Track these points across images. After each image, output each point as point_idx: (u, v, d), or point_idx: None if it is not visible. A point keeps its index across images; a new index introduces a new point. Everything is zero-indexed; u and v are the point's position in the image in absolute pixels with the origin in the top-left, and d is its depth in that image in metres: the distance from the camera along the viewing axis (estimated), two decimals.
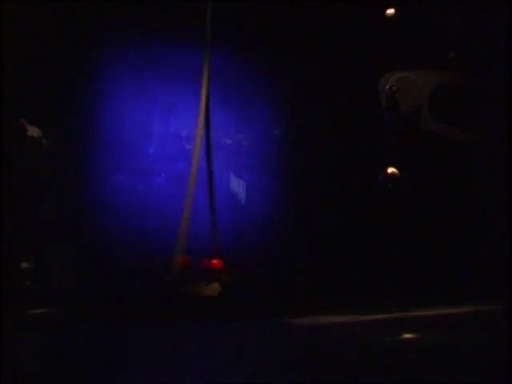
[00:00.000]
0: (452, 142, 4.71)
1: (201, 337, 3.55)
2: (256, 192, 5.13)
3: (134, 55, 4.86)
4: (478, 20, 4.37)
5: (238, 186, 5.20)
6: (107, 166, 4.63)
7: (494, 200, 4.51)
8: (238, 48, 4.85)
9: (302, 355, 3.32)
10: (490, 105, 4.53)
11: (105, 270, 4.05)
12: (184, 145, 5.11)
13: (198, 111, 4.52)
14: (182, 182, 4.89)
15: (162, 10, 4.52)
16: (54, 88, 4.19)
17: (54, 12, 4.04)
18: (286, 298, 4.26)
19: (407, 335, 3.66)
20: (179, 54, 4.90)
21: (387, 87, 4.22)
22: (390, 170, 4.18)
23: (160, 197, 4.71)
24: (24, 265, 3.80)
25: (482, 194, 4.60)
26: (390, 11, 4.37)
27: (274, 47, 4.91)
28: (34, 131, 4.09)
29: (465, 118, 4.65)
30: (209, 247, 4.17)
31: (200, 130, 4.32)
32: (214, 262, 3.11)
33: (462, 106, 4.65)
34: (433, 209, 4.68)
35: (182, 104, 5.06)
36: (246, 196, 5.01)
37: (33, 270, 3.86)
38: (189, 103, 4.93)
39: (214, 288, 2.78)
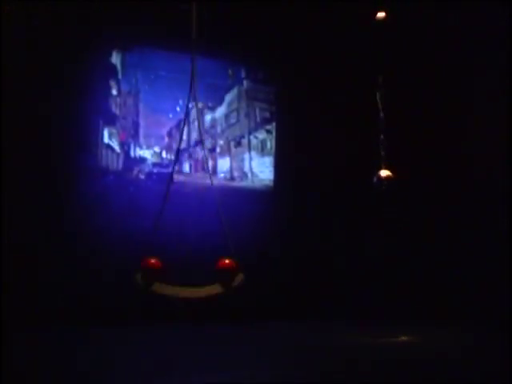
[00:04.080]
0: (448, 144, 4.71)
1: (204, 337, 3.55)
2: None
3: (132, 56, 4.88)
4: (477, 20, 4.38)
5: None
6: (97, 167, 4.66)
7: (493, 203, 4.50)
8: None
9: (302, 356, 3.32)
10: (490, 105, 4.53)
11: (103, 270, 4.05)
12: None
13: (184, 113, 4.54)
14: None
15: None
16: (52, 88, 4.19)
17: (54, 12, 4.04)
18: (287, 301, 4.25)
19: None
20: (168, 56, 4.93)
21: None
22: (385, 172, 4.20)
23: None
24: (22, 265, 3.80)
25: (480, 197, 4.59)
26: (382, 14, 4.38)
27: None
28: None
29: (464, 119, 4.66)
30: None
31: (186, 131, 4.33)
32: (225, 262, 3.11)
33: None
34: (428, 212, 4.69)
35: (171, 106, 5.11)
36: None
37: (29, 271, 3.86)
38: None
39: (215, 287, 2.79)
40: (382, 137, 4.19)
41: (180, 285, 2.84)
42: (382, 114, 4.30)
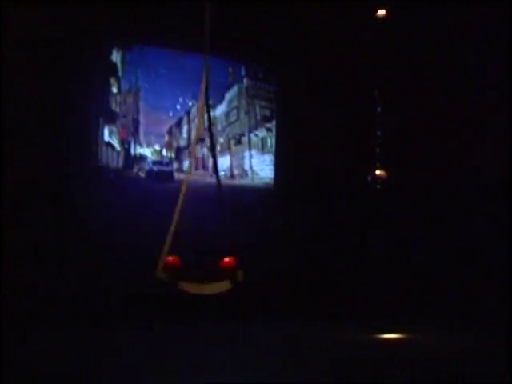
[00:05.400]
0: (445, 143, 4.71)
1: (203, 337, 3.56)
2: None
3: (132, 54, 4.88)
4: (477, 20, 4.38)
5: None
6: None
7: (493, 202, 4.50)
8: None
9: (302, 357, 3.32)
10: (490, 106, 4.52)
11: (104, 270, 4.05)
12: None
13: (197, 112, 4.53)
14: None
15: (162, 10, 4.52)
16: (52, 86, 4.19)
17: (53, 10, 4.04)
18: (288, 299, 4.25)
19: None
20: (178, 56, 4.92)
21: None
22: (379, 171, 4.22)
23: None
24: (23, 265, 3.80)
25: (480, 196, 4.59)
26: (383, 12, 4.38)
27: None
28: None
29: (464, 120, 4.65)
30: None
31: (198, 131, 4.32)
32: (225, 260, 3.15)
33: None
34: (424, 212, 4.69)
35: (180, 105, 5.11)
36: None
37: (30, 271, 3.86)
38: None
39: (220, 286, 2.84)
40: (378, 133, 4.20)
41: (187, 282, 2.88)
42: (379, 111, 4.32)
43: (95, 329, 3.52)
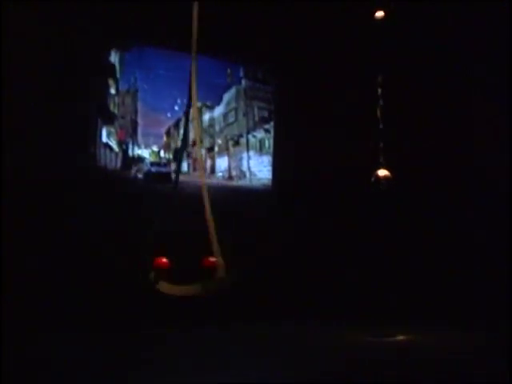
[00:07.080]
0: (449, 143, 4.72)
1: (203, 337, 3.55)
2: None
3: (131, 54, 4.88)
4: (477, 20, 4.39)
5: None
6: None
7: (493, 202, 4.51)
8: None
9: (302, 357, 3.32)
10: (490, 106, 4.54)
11: (104, 270, 4.04)
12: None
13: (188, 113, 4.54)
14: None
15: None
16: (50, 87, 4.18)
17: (52, 11, 4.03)
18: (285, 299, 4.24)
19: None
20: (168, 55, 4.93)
21: None
22: (383, 172, 4.20)
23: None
24: (23, 264, 3.78)
25: (481, 196, 4.60)
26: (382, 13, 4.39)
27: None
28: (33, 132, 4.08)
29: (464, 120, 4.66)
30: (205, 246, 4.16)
31: (196, 131, 4.32)
32: (210, 260, 3.17)
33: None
34: (428, 213, 4.69)
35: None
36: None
37: (30, 270, 3.85)
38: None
39: (208, 287, 2.84)
40: (378, 134, 4.20)
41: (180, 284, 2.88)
42: (379, 114, 4.32)
43: (95, 329, 3.51)
